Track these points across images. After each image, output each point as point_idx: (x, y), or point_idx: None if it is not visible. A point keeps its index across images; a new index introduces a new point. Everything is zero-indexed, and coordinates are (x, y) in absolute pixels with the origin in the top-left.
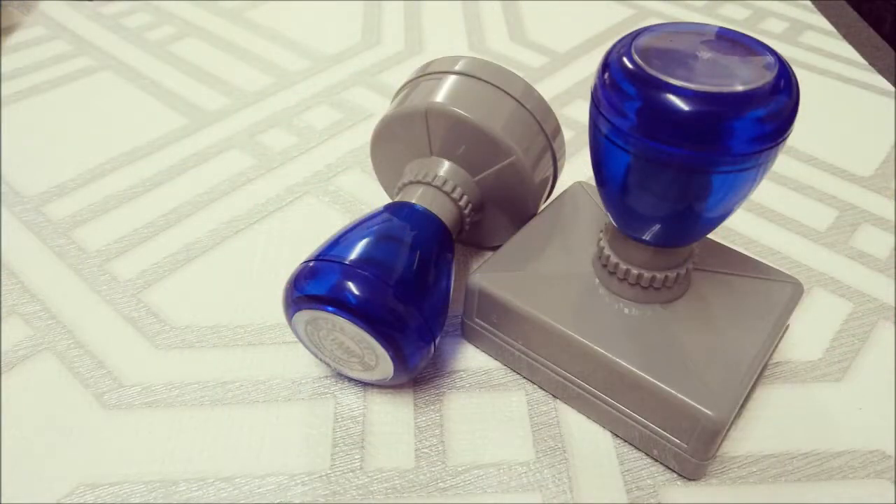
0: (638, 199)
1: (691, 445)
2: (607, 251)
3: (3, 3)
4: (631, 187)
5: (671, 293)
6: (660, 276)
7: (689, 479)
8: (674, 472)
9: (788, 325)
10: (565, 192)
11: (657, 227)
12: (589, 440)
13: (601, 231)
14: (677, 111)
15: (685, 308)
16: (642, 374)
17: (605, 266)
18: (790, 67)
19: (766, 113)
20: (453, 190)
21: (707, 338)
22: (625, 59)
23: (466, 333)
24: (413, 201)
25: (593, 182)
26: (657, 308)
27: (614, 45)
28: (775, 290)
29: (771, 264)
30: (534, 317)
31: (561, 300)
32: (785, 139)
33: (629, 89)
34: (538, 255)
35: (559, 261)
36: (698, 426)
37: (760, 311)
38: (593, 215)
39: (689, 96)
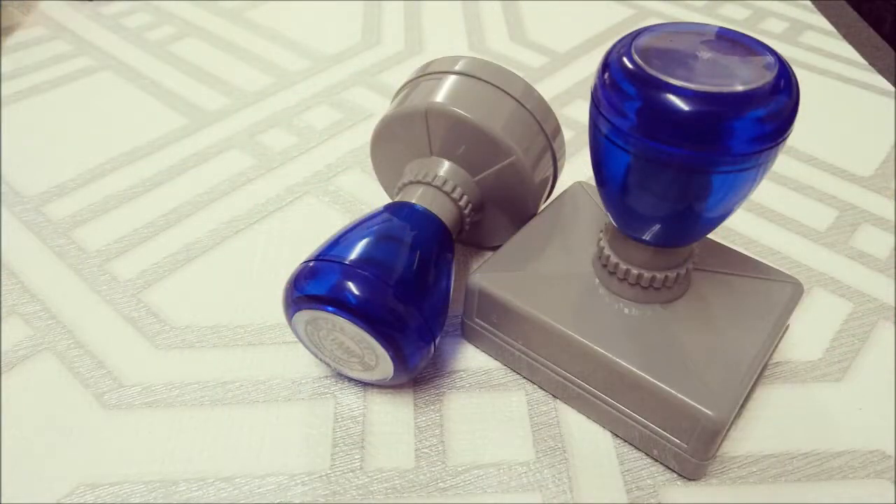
0: (638, 199)
1: (691, 445)
2: (607, 251)
3: (3, 3)
4: (631, 187)
5: (671, 293)
6: (660, 276)
7: (689, 479)
8: (674, 472)
9: (788, 325)
10: (565, 192)
11: (657, 227)
12: (589, 440)
13: (601, 231)
14: (677, 111)
15: (685, 308)
16: (642, 374)
17: (605, 266)
18: (790, 67)
19: (766, 113)
20: (453, 190)
21: (707, 338)
22: (625, 59)
23: (466, 333)
24: (413, 201)
25: (593, 182)
26: (657, 308)
27: (614, 45)
28: (775, 290)
29: (771, 264)
30: (534, 317)
31: (561, 300)
32: (785, 139)
33: (629, 89)
34: (538, 255)
35: (559, 261)
36: (698, 426)
37: (760, 311)
38: (593, 215)
39: (689, 96)
